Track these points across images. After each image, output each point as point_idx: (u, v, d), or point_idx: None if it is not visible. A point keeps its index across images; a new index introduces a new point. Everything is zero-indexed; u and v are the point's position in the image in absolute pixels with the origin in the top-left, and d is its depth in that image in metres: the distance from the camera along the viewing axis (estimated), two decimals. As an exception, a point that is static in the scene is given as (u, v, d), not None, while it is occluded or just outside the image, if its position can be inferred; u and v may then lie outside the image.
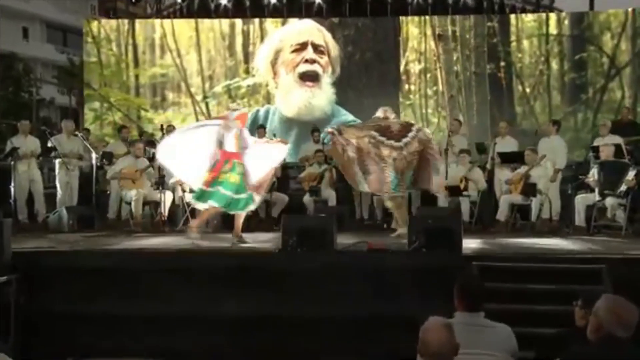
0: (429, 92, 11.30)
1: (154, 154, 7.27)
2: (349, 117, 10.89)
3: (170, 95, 11.66)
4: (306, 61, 11.10)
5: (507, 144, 8.35)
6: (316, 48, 11.19)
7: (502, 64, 11.11)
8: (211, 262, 5.51)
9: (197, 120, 11.41)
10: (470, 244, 5.90)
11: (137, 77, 11.68)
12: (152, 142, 8.61)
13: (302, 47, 11.18)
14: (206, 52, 11.66)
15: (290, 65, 11.17)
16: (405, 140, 6.45)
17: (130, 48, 11.66)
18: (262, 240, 6.49)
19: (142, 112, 11.57)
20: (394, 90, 11.32)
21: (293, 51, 11.19)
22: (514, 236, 6.91)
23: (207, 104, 11.57)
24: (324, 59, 11.21)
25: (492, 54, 11.13)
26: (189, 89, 11.59)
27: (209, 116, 11.39)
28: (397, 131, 6.50)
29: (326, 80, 11.17)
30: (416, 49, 11.38)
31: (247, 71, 11.48)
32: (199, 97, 11.57)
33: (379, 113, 6.80)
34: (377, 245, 5.59)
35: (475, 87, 11.20)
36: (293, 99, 11.12)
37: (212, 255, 5.73)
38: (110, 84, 11.60)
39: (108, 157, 8.28)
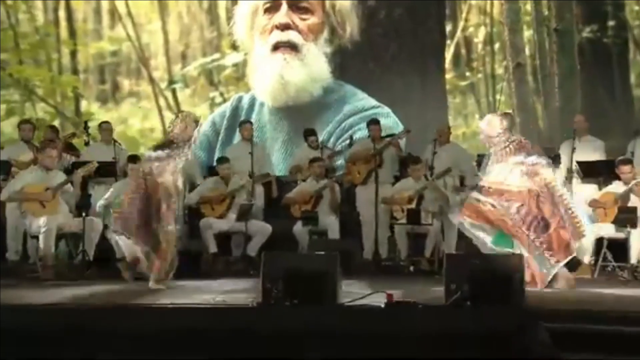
0: (498, 69, 11.24)
1: (74, 163, 7.19)
2: (370, 101, 10.74)
3: (126, 83, 11.75)
4: (276, 27, 10.88)
5: (587, 148, 8.34)
6: (294, 5, 10.91)
7: (611, 23, 11.07)
8: (161, 323, 5.37)
9: (161, 116, 11.33)
10: (538, 296, 5.92)
11: (73, 54, 11.67)
12: (71, 146, 8.48)
13: (275, 5, 10.95)
14: (176, 20, 11.69)
15: (265, 33, 11.02)
16: None
17: (62, 13, 11.61)
18: (234, 290, 6.59)
19: (84, 105, 11.47)
20: (436, 65, 11.20)
21: (266, 11, 11.01)
22: (603, 285, 6.98)
23: (174, 92, 11.51)
24: (307, 21, 10.97)
25: (594, 10, 11.11)
26: (149, 72, 11.53)
27: (178, 109, 11.31)
28: None
29: (312, 50, 10.90)
30: (481, 7, 11.30)
31: (233, 46, 11.51)
32: (164, 85, 11.50)
33: None
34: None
35: (557, 53, 11.10)
36: (263, 76, 10.97)
37: (163, 313, 5.60)
38: (30, 62, 11.56)
39: (3, 168, 8.09)
